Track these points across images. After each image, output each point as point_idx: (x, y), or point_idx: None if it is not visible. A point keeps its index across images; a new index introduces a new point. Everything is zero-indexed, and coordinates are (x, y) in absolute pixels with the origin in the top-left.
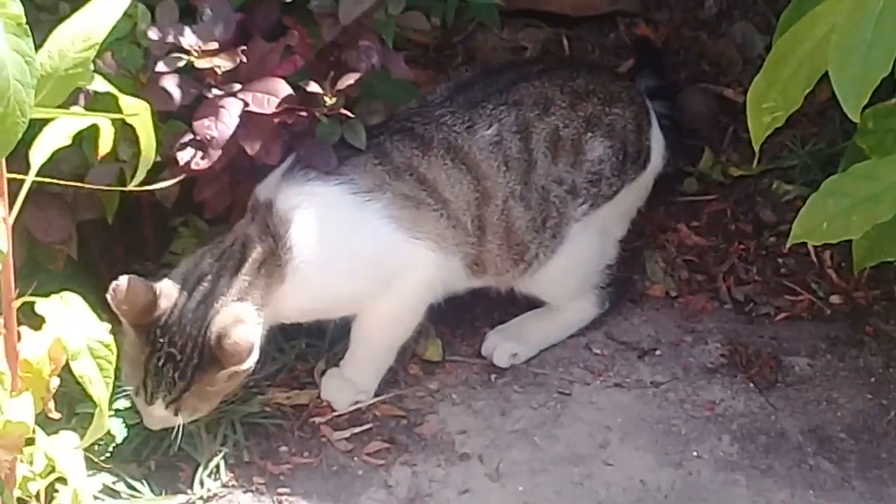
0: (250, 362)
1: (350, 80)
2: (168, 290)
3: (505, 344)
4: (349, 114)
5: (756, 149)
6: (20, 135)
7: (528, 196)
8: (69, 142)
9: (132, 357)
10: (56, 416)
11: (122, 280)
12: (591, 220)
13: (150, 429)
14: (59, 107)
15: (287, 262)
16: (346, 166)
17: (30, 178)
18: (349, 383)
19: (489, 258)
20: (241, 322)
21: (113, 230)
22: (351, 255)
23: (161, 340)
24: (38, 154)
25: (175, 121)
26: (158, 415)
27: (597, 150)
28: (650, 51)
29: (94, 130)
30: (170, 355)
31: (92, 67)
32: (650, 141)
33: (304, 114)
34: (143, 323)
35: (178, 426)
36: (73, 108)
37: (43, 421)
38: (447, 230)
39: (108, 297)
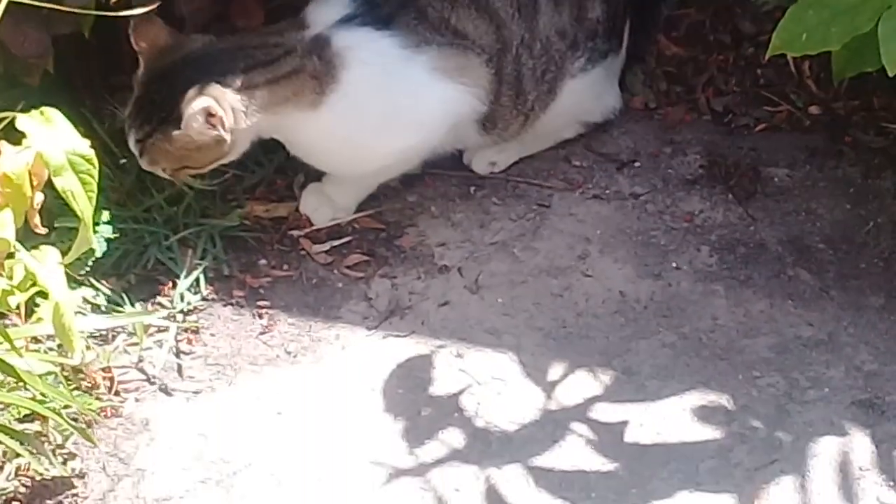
0: (201, 136)
1: None
2: (185, 42)
3: (484, 151)
4: None
5: None
6: None
7: (533, 45)
8: None
9: (135, 88)
10: (42, 231)
11: (147, 20)
12: (584, 79)
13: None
14: None
15: (331, 93)
16: (393, 24)
17: None
18: (329, 200)
19: (500, 113)
20: (216, 100)
21: (89, 45)
22: (394, 104)
23: (154, 85)
24: None
25: None
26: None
27: (596, 10)
28: None
29: None
30: (152, 100)
31: None
32: (624, 30)
33: None
34: (154, 64)
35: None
36: None
37: (22, 236)
38: (490, 74)
39: (130, 33)
